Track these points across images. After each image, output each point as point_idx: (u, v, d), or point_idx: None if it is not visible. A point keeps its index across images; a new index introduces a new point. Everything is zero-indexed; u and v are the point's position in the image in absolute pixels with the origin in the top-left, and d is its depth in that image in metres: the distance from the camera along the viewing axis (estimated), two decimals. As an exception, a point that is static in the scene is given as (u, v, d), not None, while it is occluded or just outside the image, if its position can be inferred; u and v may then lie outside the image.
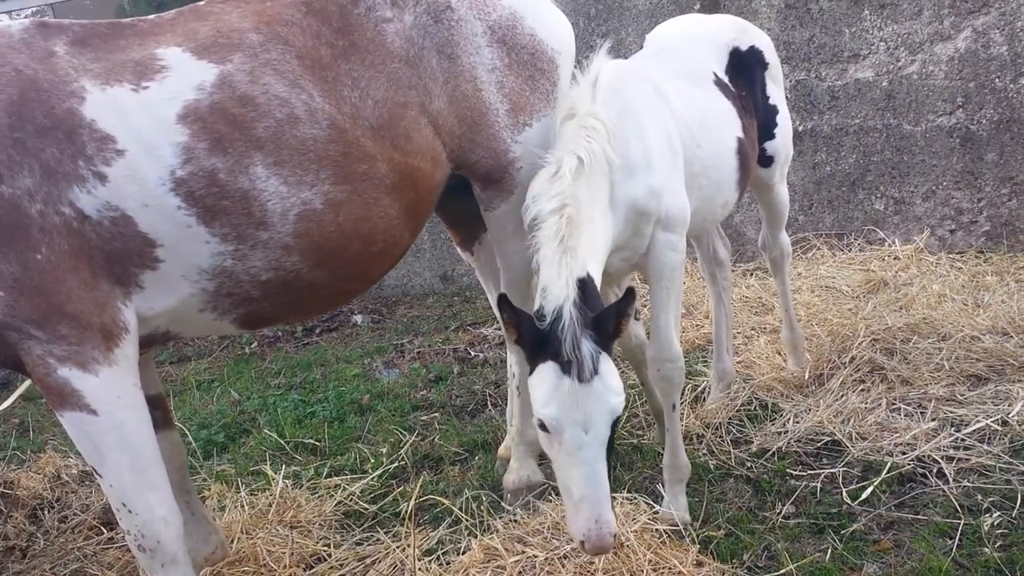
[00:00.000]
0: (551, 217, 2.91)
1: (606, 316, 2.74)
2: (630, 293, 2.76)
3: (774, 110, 4.27)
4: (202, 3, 3.26)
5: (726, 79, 4.02)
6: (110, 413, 2.81)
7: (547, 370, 2.71)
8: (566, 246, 2.83)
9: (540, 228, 2.94)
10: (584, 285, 2.81)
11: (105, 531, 4.10)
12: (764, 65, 4.25)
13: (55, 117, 2.76)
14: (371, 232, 3.16)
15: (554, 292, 2.74)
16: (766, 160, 4.28)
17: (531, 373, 2.81)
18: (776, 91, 4.31)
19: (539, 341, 2.74)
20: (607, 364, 2.71)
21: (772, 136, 4.26)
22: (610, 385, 2.70)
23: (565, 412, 2.67)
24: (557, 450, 2.74)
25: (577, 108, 3.20)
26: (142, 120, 2.84)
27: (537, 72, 3.47)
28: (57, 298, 2.73)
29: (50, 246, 2.71)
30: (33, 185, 2.69)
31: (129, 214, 2.81)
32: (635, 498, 3.59)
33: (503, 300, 2.85)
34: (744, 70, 4.12)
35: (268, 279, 3.04)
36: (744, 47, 4.17)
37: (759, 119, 4.15)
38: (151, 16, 3.17)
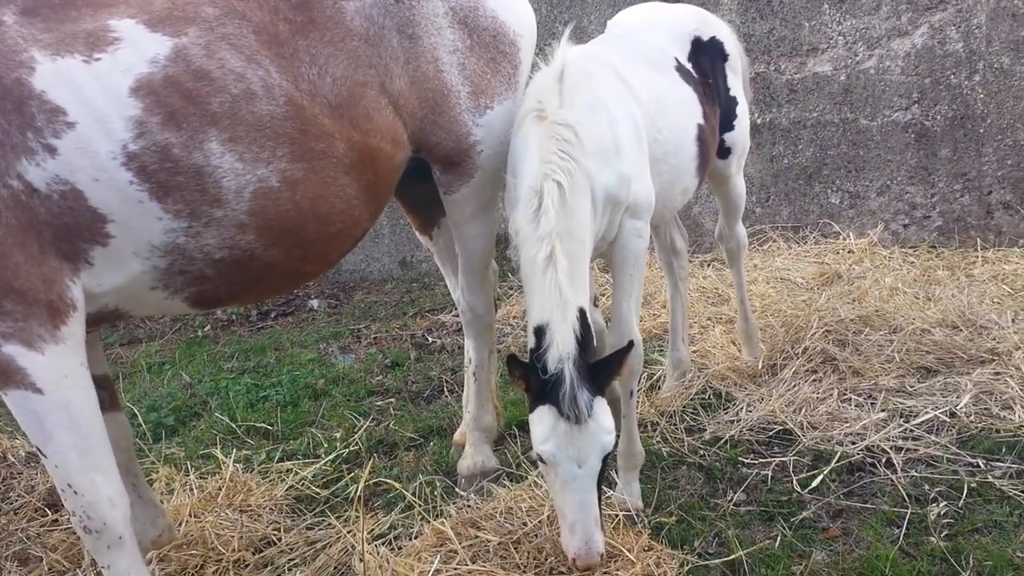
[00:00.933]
0: (548, 270, 2.93)
1: (603, 370, 2.95)
2: (629, 346, 3.00)
3: (734, 101, 4.28)
4: None
5: (688, 65, 4.02)
6: (56, 392, 2.75)
7: (546, 412, 2.88)
8: (566, 298, 2.90)
9: (533, 278, 2.98)
10: (580, 318, 2.94)
11: (50, 513, 4.01)
12: (724, 56, 4.26)
13: (3, 87, 2.67)
14: (328, 212, 3.11)
15: (555, 351, 2.86)
16: (724, 152, 4.30)
17: (531, 411, 2.96)
18: (736, 83, 4.33)
19: (542, 391, 2.90)
20: (600, 405, 2.89)
21: (731, 127, 4.28)
22: (602, 425, 2.87)
23: (561, 449, 2.86)
24: (553, 480, 2.94)
25: (545, 106, 3.15)
26: (94, 92, 2.76)
27: (499, 55, 3.44)
28: (4, 273, 2.65)
29: None
30: None
31: (79, 188, 2.73)
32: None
33: (512, 360, 2.95)
34: (705, 59, 4.13)
35: (222, 257, 2.97)
36: (705, 37, 4.18)
37: (719, 109, 4.16)
38: None
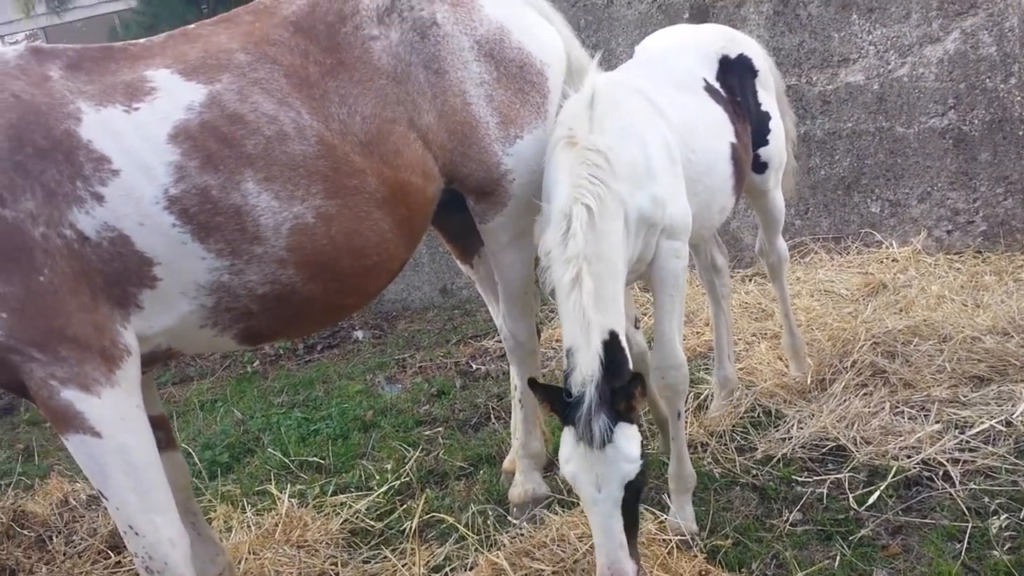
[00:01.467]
0: (572, 292, 2.95)
1: (622, 397, 2.90)
2: (635, 378, 2.90)
3: (766, 116, 4.28)
4: (192, 27, 3.29)
5: (716, 85, 4.04)
6: (113, 435, 2.82)
7: (568, 434, 2.91)
8: (588, 320, 2.91)
9: (561, 302, 3.00)
10: (609, 346, 2.94)
11: (112, 555, 4.09)
12: (754, 72, 4.26)
13: (54, 139, 2.79)
14: (363, 245, 3.20)
15: (578, 374, 2.88)
16: (760, 166, 4.29)
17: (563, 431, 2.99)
18: (768, 97, 4.32)
19: (565, 412, 2.92)
20: (624, 431, 2.86)
21: (765, 142, 4.27)
22: (623, 452, 2.85)
23: (580, 472, 2.87)
24: (582, 500, 2.97)
25: (575, 133, 3.19)
26: (134, 140, 2.88)
27: (526, 85, 3.49)
28: (59, 320, 2.74)
29: (52, 268, 2.74)
30: (35, 207, 2.72)
31: (126, 233, 2.84)
32: (642, 508, 3.59)
33: (533, 383, 3.02)
34: (734, 77, 4.14)
35: (265, 293, 3.07)
36: (733, 55, 4.19)
37: (751, 126, 4.16)
38: (142, 40, 3.21)
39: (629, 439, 2.87)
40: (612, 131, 3.24)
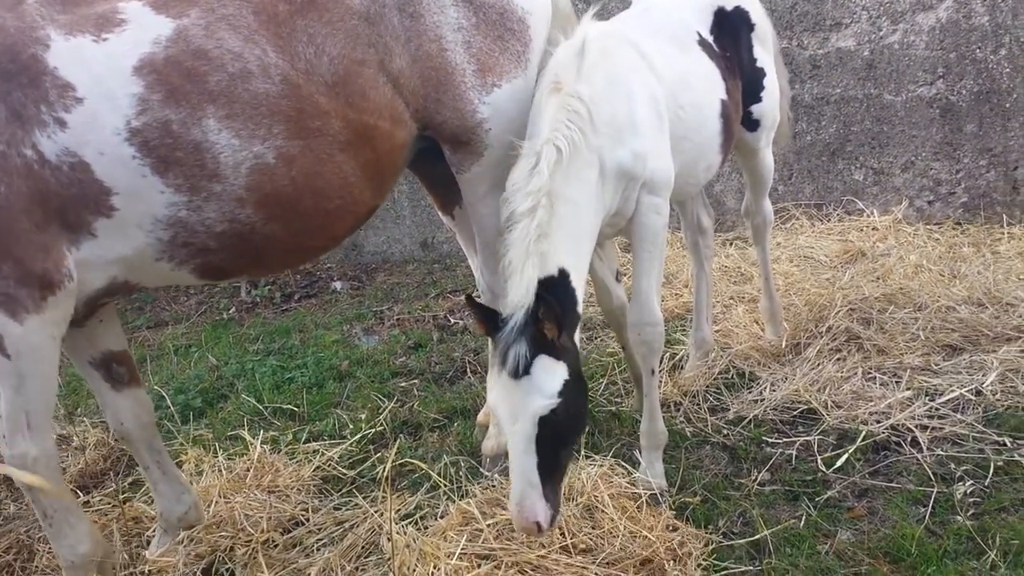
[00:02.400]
0: (523, 219, 2.94)
1: (541, 317, 2.83)
2: (548, 304, 2.81)
3: (761, 72, 4.21)
4: None
5: (710, 39, 3.98)
6: (18, 360, 2.95)
7: (496, 359, 2.89)
8: (530, 250, 2.89)
9: (511, 230, 2.98)
10: (555, 283, 2.92)
11: (81, 495, 4.08)
12: (750, 26, 4.19)
13: (20, 62, 2.84)
14: (325, 187, 3.20)
15: (512, 299, 2.85)
16: (752, 123, 4.25)
17: None
18: (764, 53, 4.25)
19: (494, 336, 2.91)
20: (544, 365, 2.82)
21: (758, 99, 4.22)
22: (538, 385, 2.80)
23: (499, 401, 2.86)
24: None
25: (561, 80, 3.17)
26: (101, 70, 2.91)
27: (506, 32, 3.43)
28: (7, 237, 2.83)
29: (8, 185, 2.80)
30: None
31: (87, 161, 2.88)
32: (612, 463, 3.62)
33: (469, 299, 2.98)
34: (729, 30, 4.08)
35: (223, 231, 3.09)
36: (729, 7, 4.13)
37: (744, 81, 4.11)
38: None
39: (548, 373, 2.82)
40: (599, 82, 3.22)
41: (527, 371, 2.80)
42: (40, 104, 2.84)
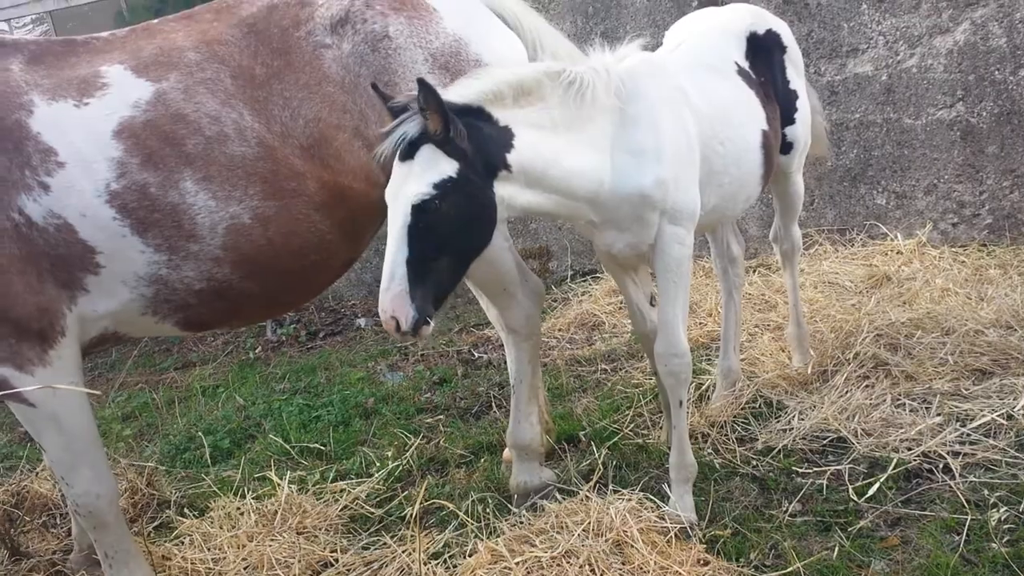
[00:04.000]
0: (499, 71, 3.06)
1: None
2: (424, 88, 2.74)
3: (794, 95, 4.21)
4: (155, 21, 3.44)
5: (746, 66, 3.98)
6: (45, 405, 3.13)
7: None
8: (501, 78, 3.00)
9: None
10: (484, 117, 2.95)
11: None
12: (783, 48, 4.21)
13: (5, 128, 2.98)
14: (302, 246, 3.31)
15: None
16: (785, 147, 4.23)
17: None
18: (796, 76, 4.25)
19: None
20: (431, 155, 2.82)
21: (792, 121, 4.21)
22: (417, 170, 2.82)
23: (388, 190, 2.89)
24: None
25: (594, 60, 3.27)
26: (81, 134, 3.05)
27: None
28: (4, 301, 2.95)
29: (1, 249, 2.93)
30: None
31: (70, 222, 3.02)
32: (641, 496, 3.59)
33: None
34: (763, 54, 4.09)
35: (202, 288, 3.22)
36: (761, 31, 4.14)
37: (779, 104, 4.11)
38: (106, 33, 3.38)
39: (431, 163, 2.82)
40: (631, 101, 3.28)
41: (412, 155, 2.82)
42: (24, 168, 2.96)
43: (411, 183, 2.81)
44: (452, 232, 2.85)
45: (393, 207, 2.84)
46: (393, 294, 2.79)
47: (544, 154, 3.06)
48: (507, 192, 3.01)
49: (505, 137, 2.99)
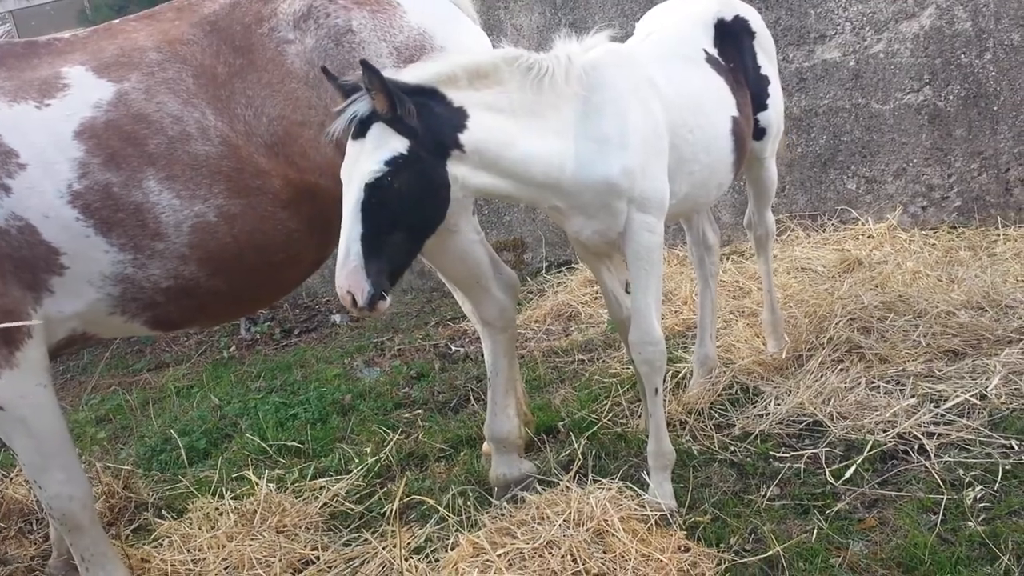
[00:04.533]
0: (456, 55, 3.11)
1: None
2: (367, 69, 2.79)
3: (765, 80, 4.22)
4: (117, 21, 3.43)
5: (715, 53, 3.98)
6: (14, 409, 3.12)
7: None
8: (456, 63, 3.04)
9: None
10: (420, 91, 2.95)
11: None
12: (751, 33, 4.21)
13: None
14: (268, 244, 3.32)
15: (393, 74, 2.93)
16: (758, 132, 4.23)
17: None
18: (767, 61, 4.26)
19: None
20: (383, 134, 2.85)
21: (764, 107, 4.21)
22: (368, 148, 2.85)
23: (344, 165, 2.92)
24: None
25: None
26: (42, 136, 3.04)
27: None
28: None
29: None
30: None
31: (33, 224, 3.01)
32: (621, 486, 3.60)
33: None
34: (732, 40, 4.09)
35: (169, 286, 3.23)
36: (729, 17, 4.14)
37: (751, 90, 4.11)
38: (68, 34, 3.38)
39: (382, 141, 2.86)
40: (596, 90, 3.29)
41: (363, 134, 2.85)
42: None
43: (363, 161, 2.85)
44: (405, 208, 2.89)
45: (347, 185, 2.88)
46: (348, 270, 2.82)
47: (499, 137, 3.08)
48: (460, 172, 3.03)
49: (458, 118, 3.01)
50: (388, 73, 2.90)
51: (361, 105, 2.84)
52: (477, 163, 3.06)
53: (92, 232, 3.07)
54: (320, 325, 7.61)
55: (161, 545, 3.95)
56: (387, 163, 2.83)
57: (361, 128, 2.86)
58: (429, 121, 2.93)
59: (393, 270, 2.96)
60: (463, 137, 3.00)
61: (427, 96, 2.96)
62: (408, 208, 2.89)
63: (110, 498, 4.43)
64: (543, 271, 7.31)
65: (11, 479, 4.71)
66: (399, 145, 2.86)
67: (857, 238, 6.37)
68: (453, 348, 6.23)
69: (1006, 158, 6.16)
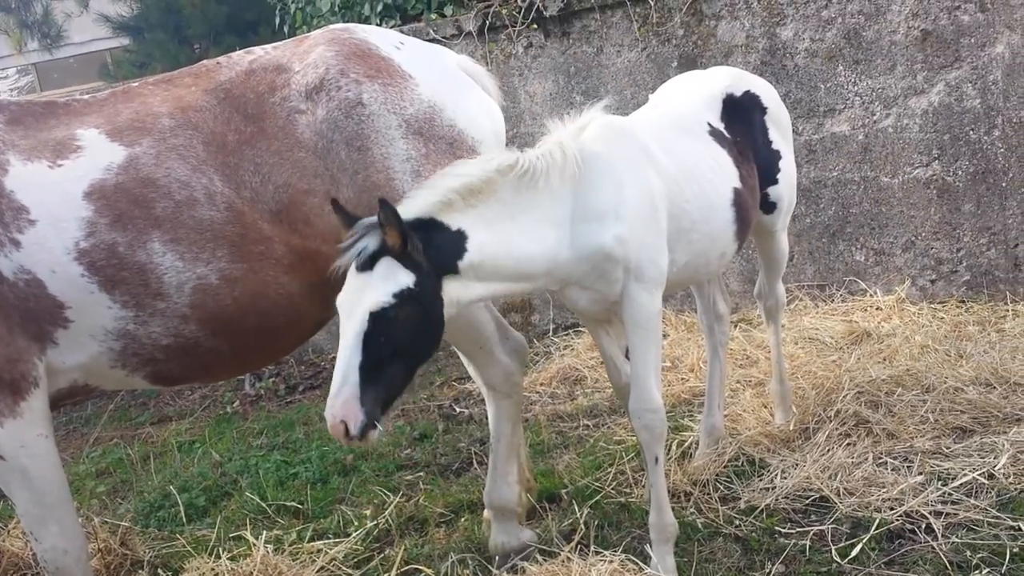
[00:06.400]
0: (449, 178, 3.09)
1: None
2: (383, 206, 2.85)
3: (776, 155, 4.24)
4: (136, 84, 3.55)
5: (721, 126, 4.02)
6: (15, 459, 3.18)
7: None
8: (446, 186, 3.06)
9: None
10: (440, 229, 3.03)
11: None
12: (763, 109, 4.25)
13: None
14: (269, 307, 3.39)
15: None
16: (768, 206, 4.25)
17: None
18: (779, 136, 4.29)
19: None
20: (389, 267, 2.90)
21: (775, 181, 4.23)
22: (376, 281, 2.89)
23: (342, 298, 2.96)
24: None
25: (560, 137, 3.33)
26: (53, 194, 3.15)
27: (456, 160, 3.53)
28: None
29: None
30: None
31: (40, 278, 3.12)
32: (623, 559, 3.54)
33: (334, 202, 3.04)
34: (740, 115, 4.13)
35: (169, 344, 3.32)
36: (739, 92, 4.18)
37: (759, 164, 4.13)
38: (87, 96, 3.50)
39: (389, 274, 2.89)
40: (591, 166, 3.33)
41: (370, 267, 2.89)
42: None
43: (370, 292, 2.89)
44: (404, 339, 2.94)
45: (349, 316, 2.91)
46: (343, 399, 2.85)
47: (496, 250, 3.14)
48: (454, 289, 3.08)
49: (458, 242, 3.07)
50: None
51: (370, 240, 2.90)
52: (472, 278, 3.12)
53: (97, 288, 3.17)
54: (325, 382, 7.57)
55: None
56: (396, 295, 2.88)
57: (369, 262, 2.91)
58: (431, 253, 3.00)
59: (387, 400, 3.01)
60: (463, 264, 3.07)
61: (427, 228, 3.03)
62: (408, 339, 2.95)
63: (106, 555, 4.37)
64: (550, 333, 7.29)
65: (8, 531, 4.67)
66: (407, 279, 2.92)
67: (865, 309, 6.35)
68: (457, 409, 6.19)
69: (1015, 233, 6.17)
